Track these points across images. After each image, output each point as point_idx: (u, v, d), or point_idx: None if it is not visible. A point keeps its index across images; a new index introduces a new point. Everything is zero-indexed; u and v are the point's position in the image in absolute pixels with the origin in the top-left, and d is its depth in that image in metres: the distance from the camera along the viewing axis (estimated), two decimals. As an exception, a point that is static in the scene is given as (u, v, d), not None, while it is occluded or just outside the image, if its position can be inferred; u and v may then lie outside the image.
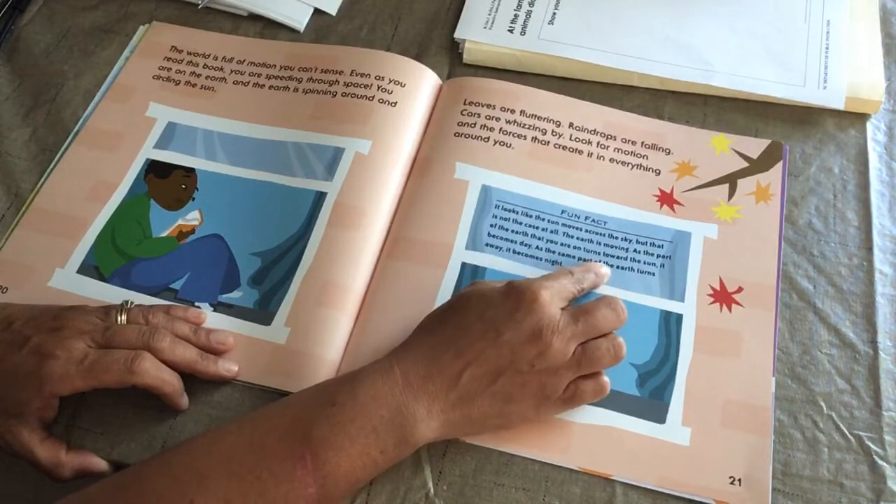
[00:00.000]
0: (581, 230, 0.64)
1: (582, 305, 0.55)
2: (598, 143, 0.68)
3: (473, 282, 0.58)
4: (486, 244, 0.63)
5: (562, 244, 0.63)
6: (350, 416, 0.49)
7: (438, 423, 0.51)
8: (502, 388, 0.52)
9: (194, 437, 0.51)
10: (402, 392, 0.51)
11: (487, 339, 0.52)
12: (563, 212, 0.65)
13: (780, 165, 0.66)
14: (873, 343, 0.59)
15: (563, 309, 0.54)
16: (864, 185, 0.66)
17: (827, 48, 0.72)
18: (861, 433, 0.56)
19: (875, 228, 0.64)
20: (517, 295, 0.53)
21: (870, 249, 0.63)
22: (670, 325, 0.60)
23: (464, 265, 0.62)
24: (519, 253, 0.63)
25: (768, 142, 0.68)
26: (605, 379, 0.55)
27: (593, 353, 0.53)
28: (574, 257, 0.62)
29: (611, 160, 0.67)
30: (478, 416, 0.52)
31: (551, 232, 0.64)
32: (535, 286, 0.53)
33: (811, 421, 0.56)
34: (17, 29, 0.78)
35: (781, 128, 0.69)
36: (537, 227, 0.64)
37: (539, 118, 0.69)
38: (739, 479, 0.54)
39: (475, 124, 0.68)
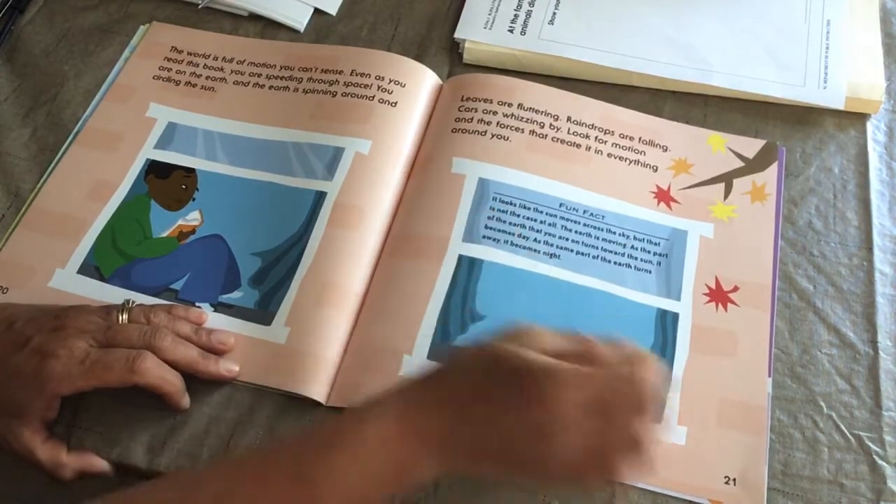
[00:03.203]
0: (579, 224, 0.64)
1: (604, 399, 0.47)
2: (595, 138, 0.68)
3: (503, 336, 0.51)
4: (484, 236, 0.63)
5: (560, 237, 0.63)
6: (348, 461, 0.46)
7: (444, 470, 0.48)
8: (510, 460, 0.47)
9: (183, 470, 0.49)
10: (405, 440, 0.47)
11: (490, 392, 0.47)
12: (561, 205, 0.64)
13: (775, 166, 0.66)
14: (873, 343, 0.59)
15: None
16: (864, 185, 0.66)
17: (827, 48, 0.72)
18: (861, 433, 0.56)
19: (875, 228, 0.64)
20: (530, 383, 0.47)
21: (870, 249, 0.63)
22: (666, 323, 0.60)
23: (461, 258, 0.62)
24: (516, 245, 0.62)
25: (763, 142, 0.68)
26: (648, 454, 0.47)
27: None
28: (572, 251, 0.62)
29: (608, 155, 0.67)
30: (486, 474, 0.49)
31: (549, 225, 0.64)
32: (553, 375, 0.47)
33: (811, 421, 0.56)
34: (17, 29, 0.78)
35: (781, 128, 0.69)
36: (535, 220, 0.64)
37: (537, 112, 0.69)
38: (734, 479, 0.54)
39: (472, 119, 0.68)
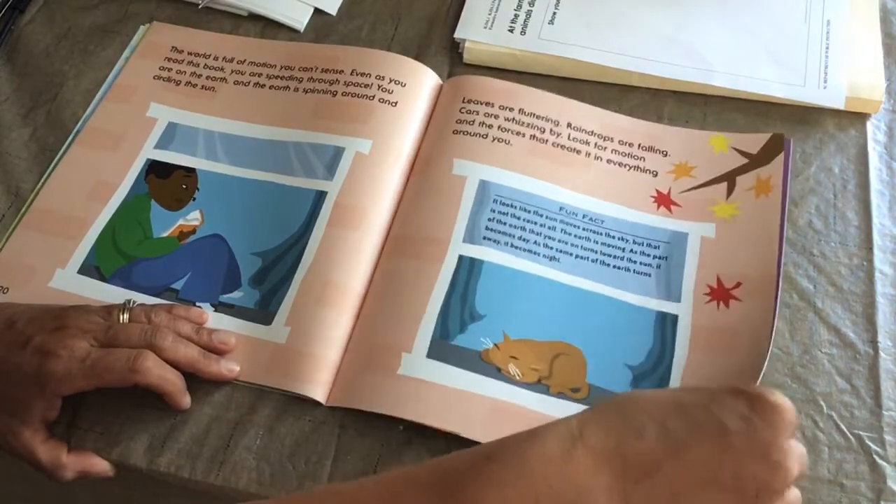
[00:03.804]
0: (579, 227, 0.64)
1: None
2: (595, 144, 0.68)
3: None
4: (484, 237, 0.63)
5: (559, 240, 0.63)
6: (509, 477, 0.39)
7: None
8: None
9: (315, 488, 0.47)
10: (581, 460, 0.39)
11: (707, 432, 0.40)
12: (561, 208, 0.65)
13: (781, 157, 0.66)
14: (873, 343, 0.59)
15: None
16: (864, 185, 0.66)
17: (827, 48, 0.72)
18: (861, 433, 0.56)
19: (875, 228, 0.64)
20: (752, 397, 0.42)
21: (870, 249, 0.63)
22: (665, 326, 0.59)
23: (461, 258, 0.62)
24: (516, 247, 0.62)
25: (768, 135, 0.67)
26: None
27: None
28: (571, 254, 0.62)
29: (608, 161, 0.67)
30: None
31: (549, 228, 0.64)
32: (776, 395, 0.42)
33: (811, 420, 0.56)
34: (17, 29, 0.78)
35: (781, 127, 0.69)
36: (535, 223, 0.64)
37: (537, 117, 0.69)
38: None
39: (474, 121, 0.68)
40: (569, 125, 0.69)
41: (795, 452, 0.41)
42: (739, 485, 0.39)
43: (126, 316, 0.57)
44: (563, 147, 0.68)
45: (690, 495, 0.39)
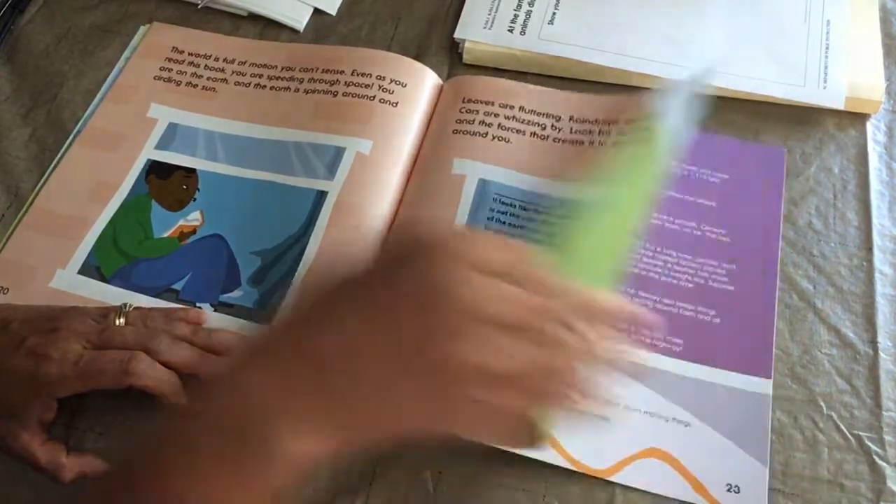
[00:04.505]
0: None
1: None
2: (599, 132, 0.68)
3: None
4: None
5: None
6: (177, 450, 0.35)
7: (305, 416, 0.33)
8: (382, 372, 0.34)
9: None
10: (236, 373, 0.35)
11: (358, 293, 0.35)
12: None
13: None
14: (873, 343, 0.59)
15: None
16: (864, 185, 0.66)
17: (827, 48, 0.72)
18: (861, 433, 0.56)
19: (875, 228, 0.64)
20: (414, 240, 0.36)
21: (870, 249, 0.63)
22: None
23: None
24: None
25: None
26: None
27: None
28: None
29: (614, 144, 0.67)
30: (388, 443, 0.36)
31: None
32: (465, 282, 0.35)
33: (811, 421, 0.56)
34: (17, 29, 0.78)
35: (781, 128, 0.69)
36: (535, 221, 0.64)
37: (538, 114, 0.69)
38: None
39: (473, 121, 0.68)
40: (571, 118, 0.69)
41: (481, 286, 0.33)
42: (405, 349, 0.33)
43: (122, 319, 0.56)
44: (564, 142, 0.67)
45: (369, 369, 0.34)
